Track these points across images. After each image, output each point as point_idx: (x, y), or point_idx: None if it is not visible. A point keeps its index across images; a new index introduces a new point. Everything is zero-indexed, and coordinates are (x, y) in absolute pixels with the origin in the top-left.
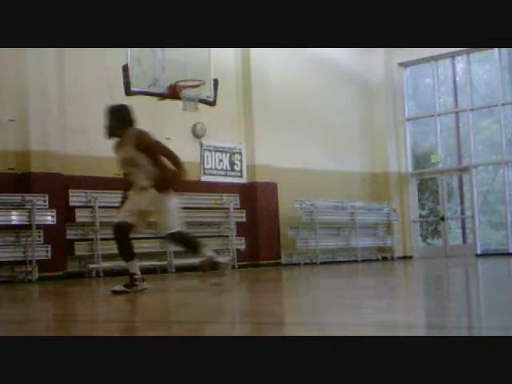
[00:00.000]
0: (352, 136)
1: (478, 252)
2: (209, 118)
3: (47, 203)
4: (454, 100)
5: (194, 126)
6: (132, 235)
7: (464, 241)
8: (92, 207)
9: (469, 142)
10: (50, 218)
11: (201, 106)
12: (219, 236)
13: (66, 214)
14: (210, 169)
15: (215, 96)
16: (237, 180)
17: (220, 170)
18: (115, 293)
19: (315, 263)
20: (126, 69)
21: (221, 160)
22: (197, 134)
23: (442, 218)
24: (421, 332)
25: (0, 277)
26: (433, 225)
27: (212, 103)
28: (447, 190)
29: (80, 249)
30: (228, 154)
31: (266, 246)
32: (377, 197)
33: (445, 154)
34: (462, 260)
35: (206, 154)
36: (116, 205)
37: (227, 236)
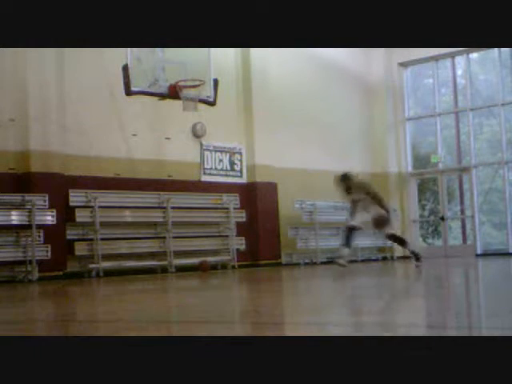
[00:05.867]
0: (352, 136)
1: (478, 252)
2: (209, 118)
3: (47, 203)
4: (454, 100)
5: (194, 126)
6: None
7: (464, 241)
8: (92, 207)
9: (469, 142)
10: (49, 218)
11: (201, 105)
12: (219, 236)
13: (66, 214)
14: (210, 169)
15: (215, 96)
16: (237, 180)
17: (220, 170)
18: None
19: (315, 263)
20: (126, 69)
21: (221, 160)
22: (197, 134)
23: (442, 218)
24: (421, 332)
25: (0, 277)
26: (433, 225)
27: (212, 103)
28: (447, 190)
29: (80, 249)
30: (228, 154)
31: (266, 245)
32: None
33: (445, 154)
34: (462, 260)
35: (206, 153)
36: (115, 204)
37: (227, 236)
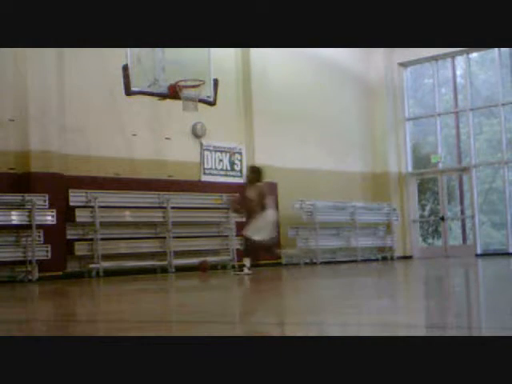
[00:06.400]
0: (352, 136)
1: (478, 252)
2: (209, 118)
3: (47, 203)
4: (454, 100)
5: (194, 125)
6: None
7: (464, 241)
8: (92, 207)
9: (469, 142)
10: (49, 218)
11: (201, 105)
12: (219, 236)
13: (66, 214)
14: (210, 169)
15: (215, 96)
16: (237, 180)
17: (220, 170)
18: None
19: (315, 263)
20: (126, 69)
21: (221, 160)
22: (197, 134)
23: (442, 218)
24: (421, 332)
25: (0, 277)
26: (433, 225)
27: (212, 103)
28: (447, 190)
29: (80, 249)
30: (228, 154)
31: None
32: (377, 197)
33: (445, 154)
34: (462, 260)
35: (206, 153)
36: (115, 204)
37: (227, 236)
